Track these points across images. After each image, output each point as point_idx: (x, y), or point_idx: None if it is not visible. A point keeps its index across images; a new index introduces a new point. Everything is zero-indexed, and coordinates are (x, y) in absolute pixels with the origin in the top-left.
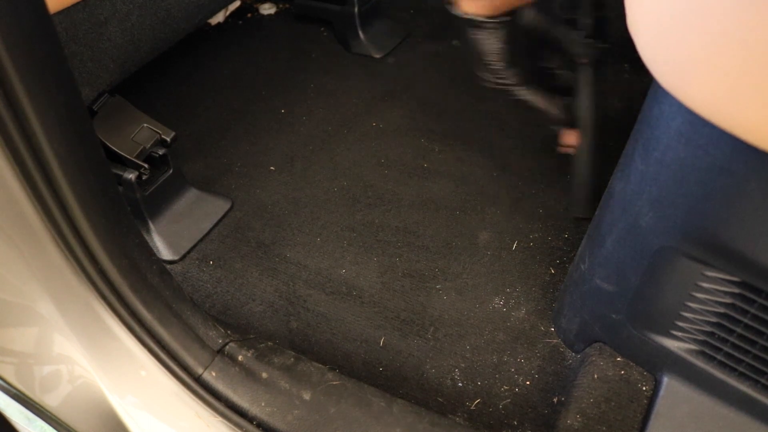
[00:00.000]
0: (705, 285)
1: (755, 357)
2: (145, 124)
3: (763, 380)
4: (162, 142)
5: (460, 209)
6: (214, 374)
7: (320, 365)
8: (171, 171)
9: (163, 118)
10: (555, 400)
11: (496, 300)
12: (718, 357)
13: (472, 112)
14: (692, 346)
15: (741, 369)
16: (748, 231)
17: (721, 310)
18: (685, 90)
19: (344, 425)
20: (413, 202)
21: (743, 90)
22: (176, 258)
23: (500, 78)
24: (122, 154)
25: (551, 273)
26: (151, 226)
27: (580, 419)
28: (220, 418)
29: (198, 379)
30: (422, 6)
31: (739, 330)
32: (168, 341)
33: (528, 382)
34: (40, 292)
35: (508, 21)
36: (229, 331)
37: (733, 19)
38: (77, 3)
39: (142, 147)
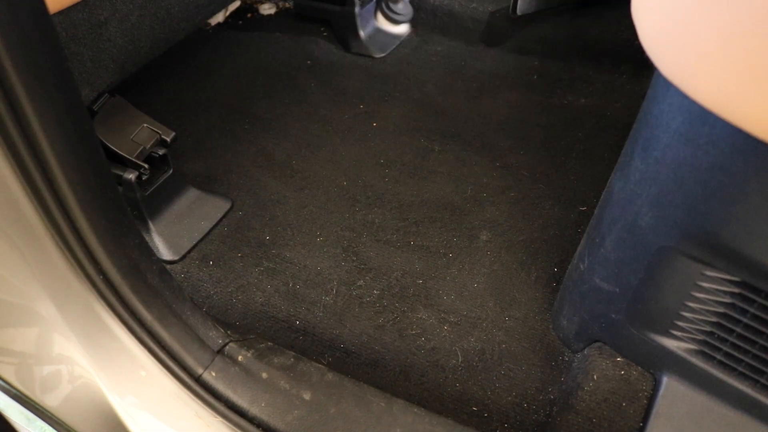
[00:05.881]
0: (705, 285)
1: (755, 357)
2: (145, 124)
3: (762, 380)
4: (162, 142)
5: (459, 209)
6: (214, 374)
7: (320, 365)
8: (171, 171)
9: (163, 118)
10: (554, 399)
11: (496, 300)
12: (718, 357)
13: (472, 112)
14: (692, 346)
15: (740, 369)
16: (747, 231)
17: (721, 310)
18: (689, 80)
19: (344, 425)
20: (413, 202)
21: (752, 81)
22: (176, 258)
23: None
24: (122, 154)
25: (551, 273)
26: (151, 226)
27: (579, 419)
28: (220, 419)
29: (198, 379)
30: (422, 5)
31: (738, 330)
32: (168, 341)
33: (527, 382)
34: (40, 293)
35: None
36: (229, 332)
37: (743, 7)
38: (77, 3)
39: (142, 147)
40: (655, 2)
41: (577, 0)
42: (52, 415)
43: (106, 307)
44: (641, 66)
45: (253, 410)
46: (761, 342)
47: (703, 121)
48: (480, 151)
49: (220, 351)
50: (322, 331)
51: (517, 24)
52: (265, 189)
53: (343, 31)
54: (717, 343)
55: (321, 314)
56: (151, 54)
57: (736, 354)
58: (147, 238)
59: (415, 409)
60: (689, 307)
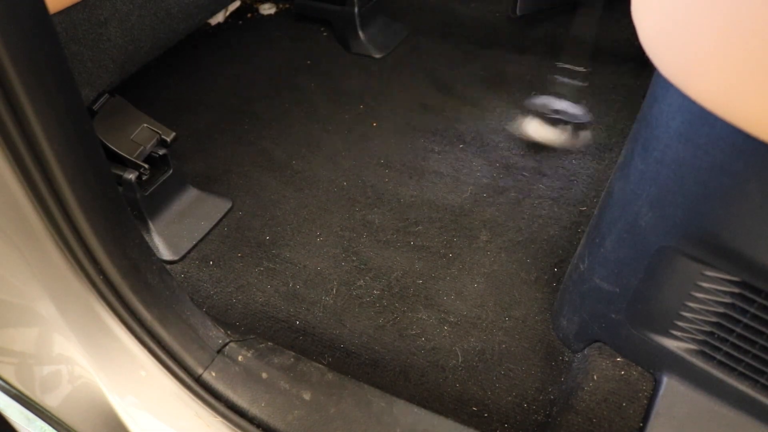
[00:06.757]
0: (705, 285)
1: (755, 357)
2: (145, 124)
3: (762, 380)
4: (162, 142)
5: (459, 209)
6: (214, 374)
7: (320, 365)
8: (171, 171)
9: (163, 118)
10: (554, 399)
11: (496, 300)
12: (718, 357)
13: (472, 113)
14: (692, 346)
15: (740, 369)
16: (747, 231)
17: (721, 310)
18: (689, 80)
19: (344, 425)
20: (413, 202)
21: (752, 81)
22: (176, 258)
23: None
24: (122, 154)
25: (551, 273)
26: (151, 226)
27: (579, 419)
28: (220, 419)
29: (198, 380)
30: (422, 5)
31: (738, 330)
32: (168, 341)
33: (527, 382)
34: (40, 293)
35: None
36: (229, 332)
37: (742, 8)
38: (77, 3)
39: (142, 147)
40: (655, 2)
41: (577, 0)
42: (52, 415)
43: (106, 307)
44: (641, 66)
45: (253, 410)
46: (761, 342)
47: (703, 121)
48: (480, 151)
49: (220, 351)
50: (322, 331)
51: (517, 24)
52: (265, 189)
53: (343, 31)
54: (717, 343)
55: (321, 314)
56: (151, 54)
57: (736, 354)
58: (147, 238)
59: (415, 409)
60: (689, 307)
